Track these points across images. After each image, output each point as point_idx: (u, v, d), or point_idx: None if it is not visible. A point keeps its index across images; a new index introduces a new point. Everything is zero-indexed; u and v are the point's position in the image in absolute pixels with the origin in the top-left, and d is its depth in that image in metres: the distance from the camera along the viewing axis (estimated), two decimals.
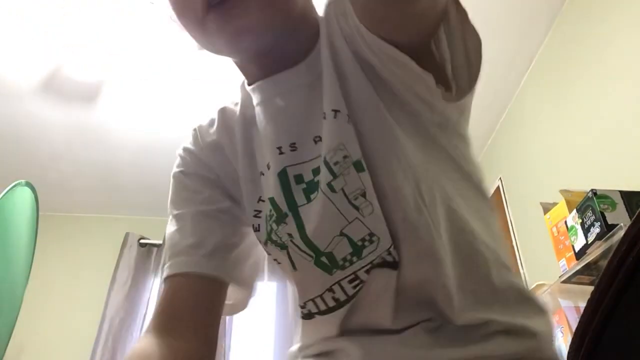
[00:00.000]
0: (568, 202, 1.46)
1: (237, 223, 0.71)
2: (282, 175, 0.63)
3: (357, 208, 0.59)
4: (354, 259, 0.60)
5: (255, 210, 0.68)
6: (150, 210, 3.39)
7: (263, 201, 0.67)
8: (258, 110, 0.68)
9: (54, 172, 3.03)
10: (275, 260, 0.67)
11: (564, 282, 1.45)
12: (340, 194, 0.59)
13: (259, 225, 0.67)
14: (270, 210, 0.65)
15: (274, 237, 0.65)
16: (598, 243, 1.31)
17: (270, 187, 0.64)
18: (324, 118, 0.61)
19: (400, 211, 0.58)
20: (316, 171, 0.61)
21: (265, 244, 0.67)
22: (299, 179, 0.63)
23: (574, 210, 1.39)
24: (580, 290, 1.52)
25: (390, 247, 0.58)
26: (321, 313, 0.64)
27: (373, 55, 0.59)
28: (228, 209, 0.71)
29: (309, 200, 0.62)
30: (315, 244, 0.61)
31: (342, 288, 0.62)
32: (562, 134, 2.11)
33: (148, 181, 3.13)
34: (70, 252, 3.26)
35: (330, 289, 0.63)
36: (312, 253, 0.62)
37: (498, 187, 2.69)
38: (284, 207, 0.63)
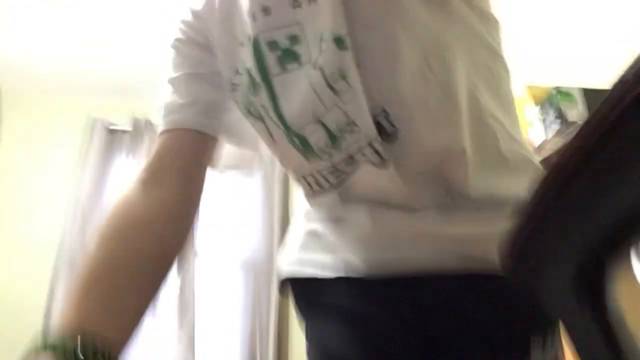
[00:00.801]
0: (532, 98, 1.49)
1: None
2: (256, 44, 0.60)
3: (336, 92, 0.55)
4: (332, 151, 0.59)
5: (233, 84, 0.67)
6: (116, 94, 3.30)
7: (240, 74, 0.65)
8: None
9: (14, 50, 2.88)
10: (258, 133, 0.68)
11: None
12: (319, 72, 0.55)
13: (237, 98, 0.67)
14: (248, 82, 0.63)
15: (251, 110, 0.65)
16: (556, 139, 1.37)
17: (248, 57, 0.62)
18: None
19: (404, 84, 0.55)
20: (294, 39, 0.57)
21: (246, 117, 0.67)
22: (272, 45, 0.59)
23: (536, 106, 1.43)
24: None
25: (374, 140, 0.56)
26: (316, 191, 0.66)
27: None
28: (220, 72, 0.70)
29: (284, 70, 0.59)
30: (288, 122, 0.60)
31: (324, 177, 0.63)
32: (532, 30, 2.09)
33: (113, 63, 3.02)
34: (35, 134, 3.20)
35: (312, 175, 0.64)
36: (284, 128, 0.61)
37: None
38: (257, 77, 0.61)
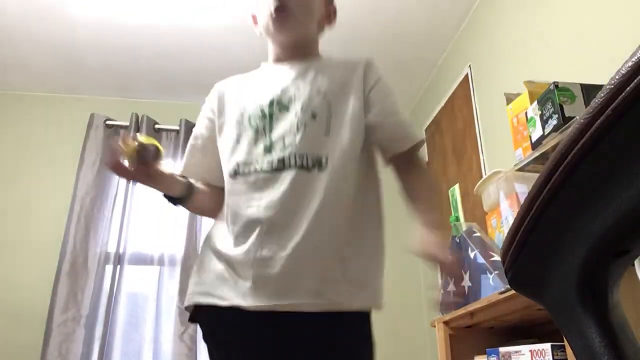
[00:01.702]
0: (531, 94, 1.49)
1: None
2: (272, 101, 1.14)
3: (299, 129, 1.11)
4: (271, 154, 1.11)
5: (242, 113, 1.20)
6: (114, 91, 3.30)
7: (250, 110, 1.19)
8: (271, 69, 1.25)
9: (10, 48, 2.88)
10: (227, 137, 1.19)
11: (519, 169, 1.53)
12: (296, 119, 1.11)
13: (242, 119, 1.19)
14: (260, 112, 1.14)
15: (250, 123, 1.16)
16: (554, 135, 1.37)
17: (262, 104, 1.16)
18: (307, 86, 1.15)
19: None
20: (289, 101, 1.13)
21: (235, 127, 1.18)
22: (278, 103, 1.14)
23: (535, 102, 1.43)
24: (534, 178, 1.61)
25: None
26: (241, 173, 1.15)
27: (368, 102, 1.16)
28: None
29: (287, 110, 1.12)
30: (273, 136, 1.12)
31: (259, 167, 1.12)
32: (533, 26, 2.09)
33: (111, 61, 3.01)
34: (34, 132, 3.20)
35: (246, 164, 1.13)
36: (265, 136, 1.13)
37: (467, 75, 2.70)
38: (272, 109, 1.14)
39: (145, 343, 2.78)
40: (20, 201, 3.03)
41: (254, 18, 1.26)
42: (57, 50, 2.90)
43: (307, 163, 1.04)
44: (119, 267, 2.89)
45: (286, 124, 1.08)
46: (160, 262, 2.95)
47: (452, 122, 2.91)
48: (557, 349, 1.29)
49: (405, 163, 1.17)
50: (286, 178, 1.02)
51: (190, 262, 2.90)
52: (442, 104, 3.03)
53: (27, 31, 2.74)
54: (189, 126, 3.27)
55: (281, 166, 1.04)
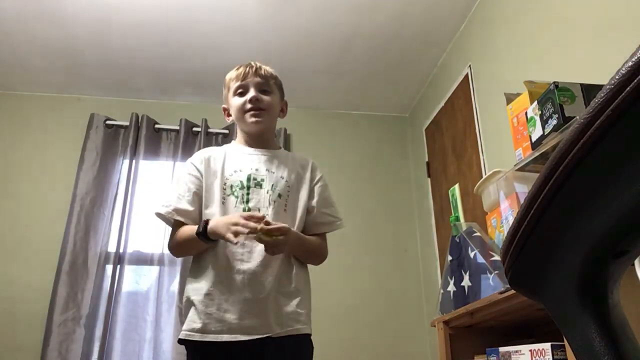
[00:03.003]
0: (531, 94, 1.49)
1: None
2: (249, 177, 1.52)
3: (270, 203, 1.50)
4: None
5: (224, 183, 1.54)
6: (114, 91, 3.30)
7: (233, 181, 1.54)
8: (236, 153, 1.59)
9: (9, 49, 2.88)
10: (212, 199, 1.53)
11: (519, 169, 1.53)
12: (268, 195, 1.51)
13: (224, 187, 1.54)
14: (239, 183, 1.51)
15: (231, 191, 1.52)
16: (554, 134, 1.37)
17: (243, 177, 1.52)
18: (273, 173, 1.55)
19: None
20: (262, 180, 1.52)
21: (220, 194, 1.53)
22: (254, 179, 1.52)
23: (535, 102, 1.43)
24: (534, 178, 1.61)
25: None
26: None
27: (312, 192, 1.60)
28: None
29: (260, 187, 1.50)
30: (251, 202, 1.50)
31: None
32: (533, 26, 2.09)
33: (111, 61, 3.01)
34: (34, 132, 3.20)
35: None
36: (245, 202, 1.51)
37: (467, 75, 2.70)
38: (245, 184, 1.50)
39: (145, 343, 2.78)
40: (21, 201, 3.03)
41: (225, 110, 1.64)
42: (57, 50, 2.90)
43: None
44: (119, 267, 2.89)
45: (259, 197, 1.48)
46: (160, 262, 2.95)
47: (452, 122, 2.91)
48: (557, 349, 1.29)
49: (319, 239, 1.58)
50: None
51: (189, 262, 2.90)
52: (442, 104, 3.03)
53: (27, 31, 2.74)
54: (189, 126, 3.27)
55: None
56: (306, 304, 1.46)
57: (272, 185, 1.50)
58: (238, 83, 1.56)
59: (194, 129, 3.29)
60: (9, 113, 3.22)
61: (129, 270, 2.92)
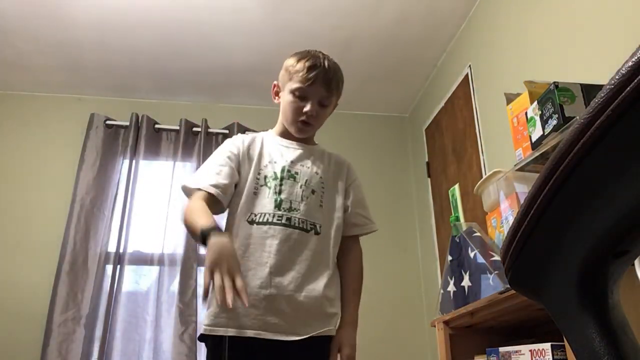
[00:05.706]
0: (531, 94, 1.49)
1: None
2: (283, 168, 1.47)
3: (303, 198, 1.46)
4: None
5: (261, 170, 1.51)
6: (114, 91, 3.30)
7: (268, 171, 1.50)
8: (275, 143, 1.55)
9: (10, 49, 2.88)
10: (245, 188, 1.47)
11: (519, 169, 1.53)
12: (301, 189, 1.46)
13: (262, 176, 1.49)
14: (274, 174, 1.47)
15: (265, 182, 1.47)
16: (554, 134, 1.37)
17: (276, 169, 1.48)
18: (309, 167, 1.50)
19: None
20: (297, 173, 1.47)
21: (253, 183, 1.47)
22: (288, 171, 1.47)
23: (535, 102, 1.43)
24: (534, 178, 1.61)
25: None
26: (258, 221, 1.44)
27: (348, 192, 1.58)
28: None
29: (294, 179, 1.46)
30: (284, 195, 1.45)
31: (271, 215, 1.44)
32: (533, 26, 2.09)
33: (111, 61, 3.01)
34: (34, 132, 3.20)
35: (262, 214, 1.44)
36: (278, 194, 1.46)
37: (467, 75, 2.70)
38: (279, 175, 1.46)
39: (145, 343, 2.78)
40: (21, 201, 3.03)
41: (275, 87, 1.56)
42: (57, 50, 2.90)
43: (307, 227, 1.42)
44: (119, 267, 2.89)
45: (292, 190, 1.43)
46: (160, 262, 2.95)
47: (452, 122, 2.91)
48: (557, 349, 1.29)
49: (351, 242, 1.57)
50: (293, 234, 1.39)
51: (190, 262, 2.90)
52: (442, 104, 3.03)
53: (27, 31, 2.75)
54: (189, 126, 3.27)
55: (287, 224, 1.39)
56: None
57: (307, 180, 1.46)
58: (301, 86, 1.44)
59: (194, 129, 3.29)
60: (9, 113, 3.22)
61: (129, 270, 2.92)
